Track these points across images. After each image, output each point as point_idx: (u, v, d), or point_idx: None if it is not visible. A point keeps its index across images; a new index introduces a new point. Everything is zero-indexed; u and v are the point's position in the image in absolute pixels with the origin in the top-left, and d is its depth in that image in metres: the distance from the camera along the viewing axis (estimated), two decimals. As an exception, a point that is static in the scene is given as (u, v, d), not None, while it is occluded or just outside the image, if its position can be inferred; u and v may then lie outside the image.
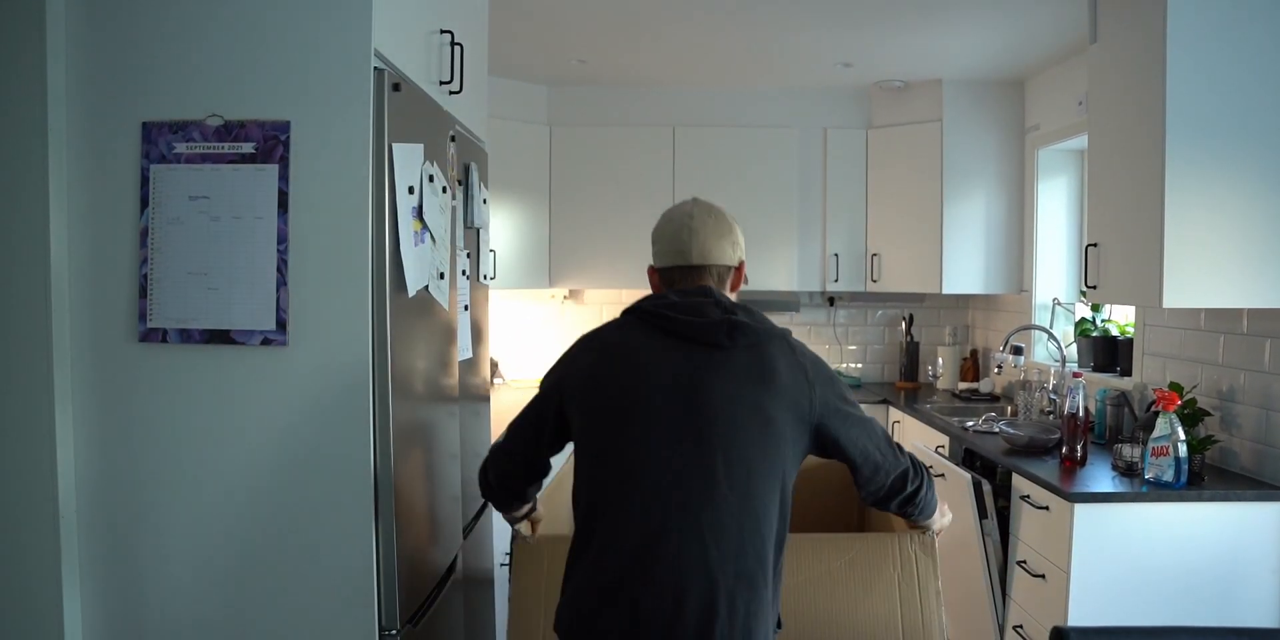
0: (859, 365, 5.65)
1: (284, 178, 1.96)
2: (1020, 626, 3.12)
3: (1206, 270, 2.78)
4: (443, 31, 2.59)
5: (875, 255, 5.19)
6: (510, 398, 4.73)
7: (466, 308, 2.86)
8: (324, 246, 1.97)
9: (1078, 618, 2.80)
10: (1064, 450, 3.23)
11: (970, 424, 3.98)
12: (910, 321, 5.43)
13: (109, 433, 1.99)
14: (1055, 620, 2.86)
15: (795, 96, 5.24)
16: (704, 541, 1.73)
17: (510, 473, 2.03)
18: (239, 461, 1.99)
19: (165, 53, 1.96)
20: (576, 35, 4.18)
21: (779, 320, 5.46)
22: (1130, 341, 3.81)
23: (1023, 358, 4.58)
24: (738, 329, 1.85)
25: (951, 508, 3.40)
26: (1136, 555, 2.82)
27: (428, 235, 2.26)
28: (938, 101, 4.91)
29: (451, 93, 2.65)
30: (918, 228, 4.99)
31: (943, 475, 3.49)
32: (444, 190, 2.43)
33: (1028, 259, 4.78)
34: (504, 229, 4.95)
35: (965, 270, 4.90)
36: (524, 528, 2.16)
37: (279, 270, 1.96)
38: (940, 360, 5.32)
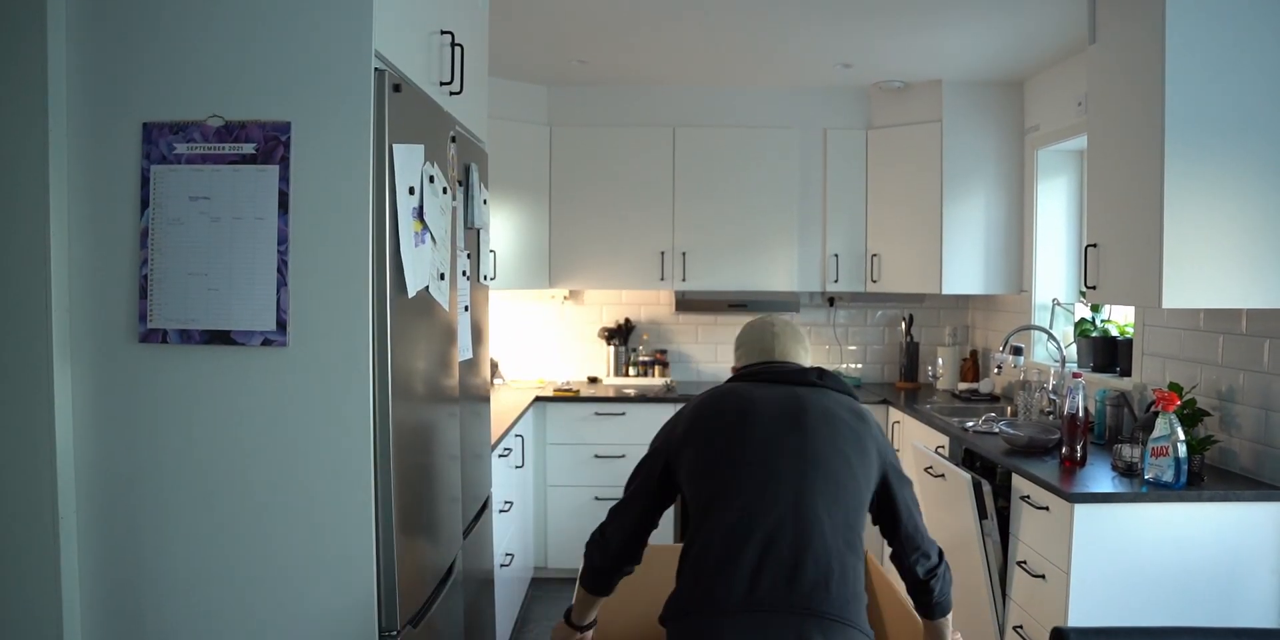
0: (859, 365, 5.66)
1: (284, 178, 1.96)
2: (1020, 627, 3.12)
3: (1206, 270, 2.79)
4: (443, 32, 2.59)
5: (875, 256, 5.20)
6: (510, 398, 4.73)
7: (467, 308, 2.86)
8: (324, 247, 1.97)
9: (1078, 618, 2.80)
10: (1064, 450, 3.23)
11: (970, 424, 3.98)
12: (910, 322, 5.43)
13: (109, 433, 1.99)
14: (1055, 620, 2.86)
15: (795, 97, 5.24)
16: (811, 517, 1.98)
17: (632, 527, 2.25)
18: (239, 462, 1.99)
19: (166, 53, 1.97)
20: (576, 35, 4.18)
21: (779, 321, 5.35)
22: (1130, 342, 3.81)
23: (1022, 358, 4.58)
24: (826, 374, 2.23)
25: (951, 508, 3.42)
26: (1136, 555, 2.82)
27: (428, 236, 2.26)
28: (937, 102, 4.92)
29: (452, 93, 2.65)
30: (917, 228, 5.00)
31: (943, 476, 3.49)
32: (444, 191, 2.43)
33: (1027, 259, 4.78)
34: (504, 229, 4.95)
35: (965, 271, 4.90)
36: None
37: (279, 271, 1.97)
38: (940, 360, 5.32)
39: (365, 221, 1.97)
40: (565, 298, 5.59)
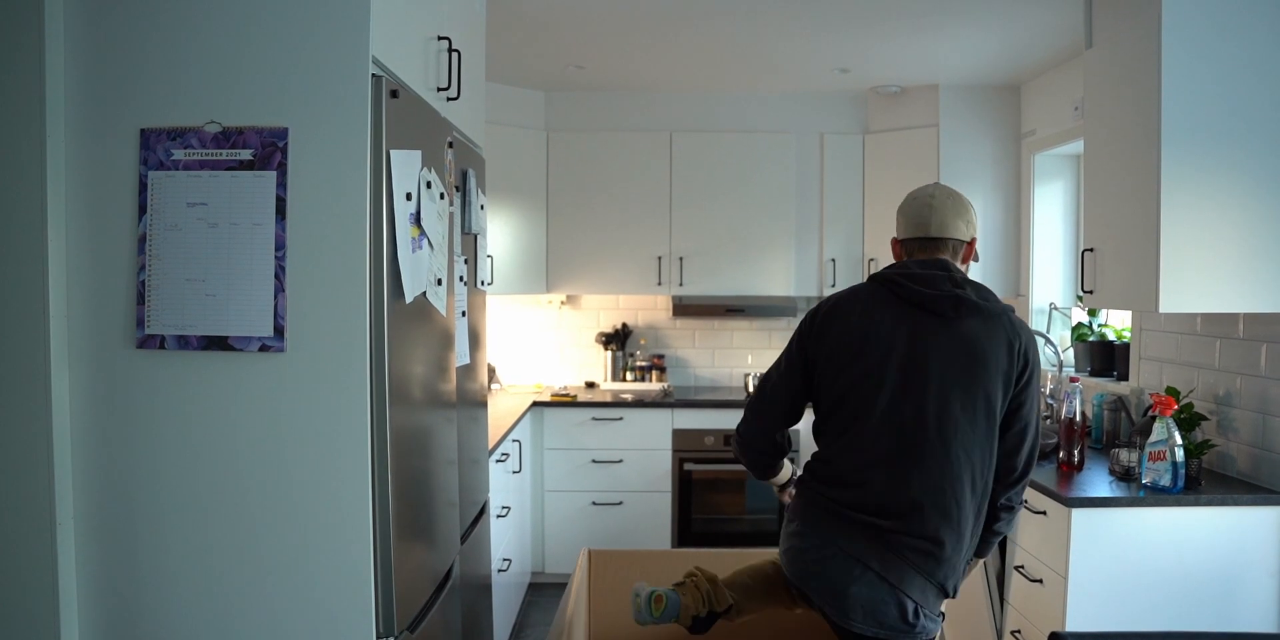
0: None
1: (282, 184, 1.96)
2: (1018, 631, 3.12)
3: (1203, 275, 2.79)
4: (440, 38, 2.59)
5: (872, 260, 5.20)
6: (508, 403, 4.73)
7: (464, 313, 2.86)
8: (322, 253, 1.97)
9: (1075, 623, 2.80)
10: (1061, 455, 3.23)
11: (967, 429, 3.97)
12: (907, 326, 5.43)
13: (106, 439, 1.99)
14: (1053, 625, 2.86)
15: (792, 102, 5.25)
16: (930, 467, 2.18)
17: (771, 417, 2.40)
18: (236, 467, 1.99)
19: (163, 59, 1.97)
20: (573, 41, 4.19)
21: (775, 325, 5.44)
22: (1127, 346, 3.82)
23: (1020, 362, 4.58)
24: (963, 303, 2.21)
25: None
26: (1134, 560, 2.82)
27: (425, 241, 2.26)
28: (934, 106, 4.93)
29: (449, 99, 2.65)
30: (914, 233, 4.99)
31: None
32: (441, 196, 2.43)
33: (1024, 263, 4.79)
34: (501, 235, 4.95)
35: (962, 275, 4.90)
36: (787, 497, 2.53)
37: (277, 277, 1.97)
38: (937, 365, 5.32)
39: (363, 227, 1.97)
40: (562, 303, 5.59)
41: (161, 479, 1.99)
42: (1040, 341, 4.59)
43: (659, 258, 5.18)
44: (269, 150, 1.96)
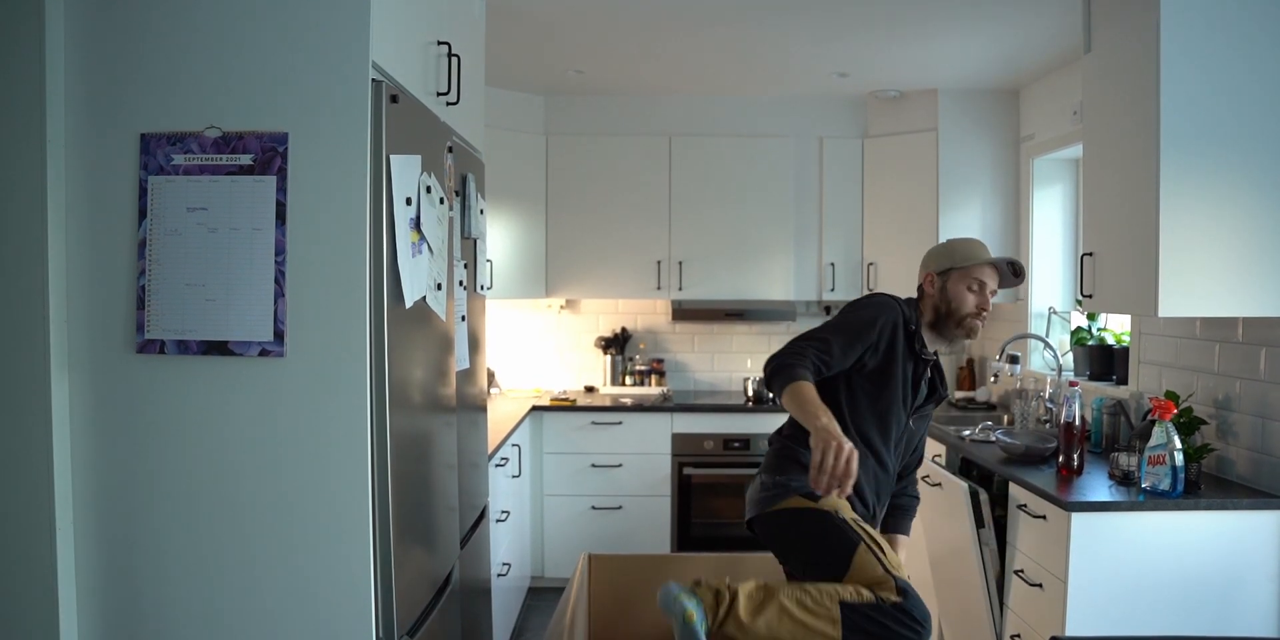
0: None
1: (282, 189, 1.96)
2: (1018, 636, 3.12)
3: (1202, 279, 2.79)
4: (440, 43, 2.60)
5: (871, 265, 5.20)
6: (507, 408, 4.73)
7: (463, 318, 2.86)
8: (322, 258, 1.97)
9: (1075, 627, 2.80)
10: (1061, 459, 3.23)
11: (967, 433, 3.98)
12: (907, 330, 5.43)
13: (106, 443, 1.99)
14: (1053, 630, 2.86)
15: (791, 106, 5.25)
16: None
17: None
18: (236, 472, 1.99)
19: (163, 64, 1.97)
20: (573, 46, 4.19)
21: (774, 329, 5.42)
22: (1126, 350, 3.82)
23: (1019, 366, 4.58)
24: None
25: (948, 516, 3.42)
26: (1134, 564, 2.81)
27: (425, 246, 2.26)
28: (933, 111, 4.93)
29: (449, 104, 2.66)
30: (914, 237, 5.00)
31: (939, 484, 3.49)
32: (441, 201, 2.43)
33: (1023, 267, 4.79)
34: (501, 239, 4.95)
35: (961, 279, 4.90)
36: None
37: (277, 281, 1.97)
38: (937, 369, 5.32)
39: (362, 232, 1.97)
40: (562, 307, 5.59)
41: (161, 483, 1.99)
42: (1039, 346, 4.61)
43: (658, 262, 5.19)
44: (269, 155, 1.96)
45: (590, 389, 5.48)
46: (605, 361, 5.51)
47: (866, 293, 5.16)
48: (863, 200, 5.25)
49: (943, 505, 3.49)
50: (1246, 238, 2.79)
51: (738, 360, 5.62)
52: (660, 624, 3.10)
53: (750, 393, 5.11)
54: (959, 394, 5.10)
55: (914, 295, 2.74)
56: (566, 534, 4.89)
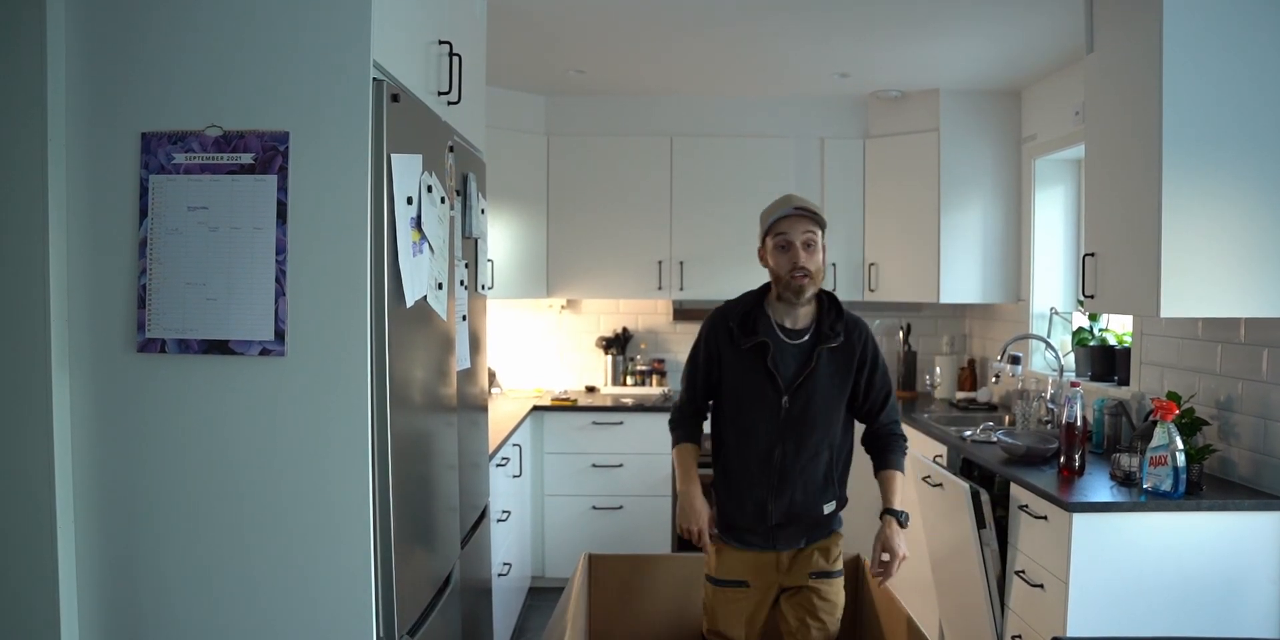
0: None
1: (283, 188, 1.96)
2: (1019, 636, 3.11)
3: (1204, 279, 2.79)
4: (441, 42, 2.60)
5: (873, 265, 5.20)
6: (508, 408, 4.73)
7: (464, 318, 2.86)
8: (322, 257, 1.97)
9: (1076, 628, 2.80)
10: (1062, 460, 3.22)
11: (968, 433, 3.98)
12: (908, 331, 5.43)
13: (107, 442, 1.99)
14: (1054, 630, 2.86)
15: (792, 106, 5.25)
16: None
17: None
18: (237, 471, 1.99)
19: (164, 63, 1.97)
20: (574, 46, 4.19)
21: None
22: (1128, 351, 3.81)
23: (1020, 367, 4.58)
24: None
25: (949, 517, 3.41)
26: (1135, 565, 2.81)
27: (426, 245, 2.26)
28: (935, 111, 4.93)
29: (450, 103, 2.66)
30: (915, 237, 5.00)
31: (941, 485, 3.49)
32: (442, 200, 2.43)
33: (1025, 268, 4.79)
34: (502, 239, 4.95)
35: (962, 280, 4.91)
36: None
37: (277, 281, 1.97)
38: (938, 369, 5.32)
39: (363, 231, 1.97)
40: (563, 307, 5.59)
41: (162, 483, 1.99)
42: (1041, 346, 4.60)
43: (659, 262, 5.18)
44: (270, 154, 1.96)
45: (591, 389, 5.48)
46: (606, 361, 5.51)
47: (868, 293, 5.20)
48: (864, 201, 5.25)
49: (944, 505, 3.49)
50: (1248, 238, 2.78)
51: (739, 360, 5.60)
52: (660, 624, 3.10)
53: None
54: (960, 394, 5.10)
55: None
56: (567, 534, 4.88)
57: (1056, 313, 4.63)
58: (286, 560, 1.99)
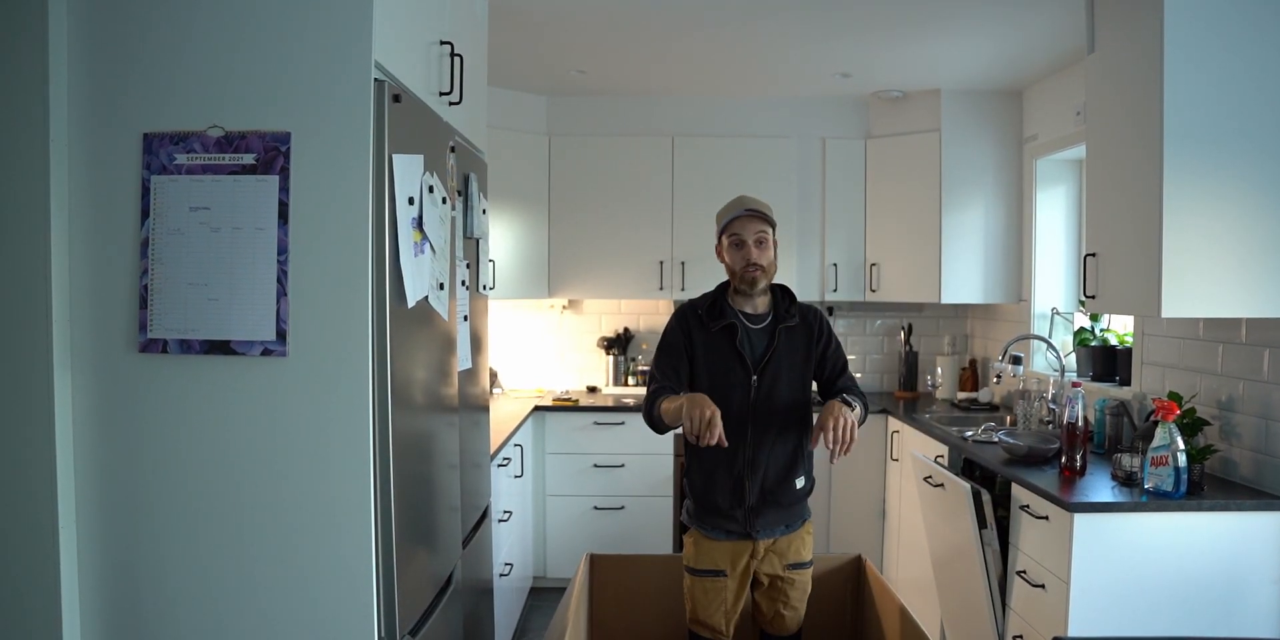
0: (858, 375, 5.65)
1: (284, 189, 1.96)
2: (1020, 636, 3.11)
3: (1205, 280, 2.79)
4: (442, 42, 2.60)
5: (874, 265, 5.20)
6: (509, 408, 4.73)
7: (466, 318, 2.86)
8: (324, 257, 1.97)
9: (1078, 628, 2.80)
10: (1063, 460, 3.22)
11: (969, 434, 3.98)
12: (909, 331, 5.43)
13: (109, 442, 1.99)
14: (1055, 630, 2.86)
15: (794, 107, 5.25)
16: None
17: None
18: (238, 471, 1.99)
19: (166, 64, 1.97)
20: (576, 46, 4.19)
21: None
22: (1129, 351, 3.81)
23: (1021, 367, 4.58)
24: None
25: (951, 517, 3.42)
26: (1136, 565, 2.81)
27: (427, 246, 2.26)
28: (936, 111, 4.93)
29: (451, 103, 2.66)
30: (916, 237, 5.00)
31: (942, 485, 3.49)
32: (444, 201, 2.43)
33: (1026, 268, 4.79)
34: (503, 239, 4.95)
35: (964, 280, 4.91)
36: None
37: (279, 281, 1.97)
38: (939, 370, 5.32)
39: (365, 232, 1.97)
40: (564, 307, 5.59)
41: (163, 483, 1.99)
42: (1042, 346, 4.60)
43: (661, 262, 5.19)
44: (271, 154, 1.96)
45: (593, 389, 5.48)
46: (608, 362, 5.51)
47: (869, 293, 5.20)
48: (865, 201, 5.25)
49: (945, 506, 3.49)
50: (1249, 238, 2.78)
51: (740, 361, 5.61)
52: (662, 624, 3.10)
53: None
54: (961, 395, 5.10)
55: None
56: (568, 534, 4.88)
57: (1058, 313, 4.63)
58: (288, 560, 1.99)
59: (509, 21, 3.72)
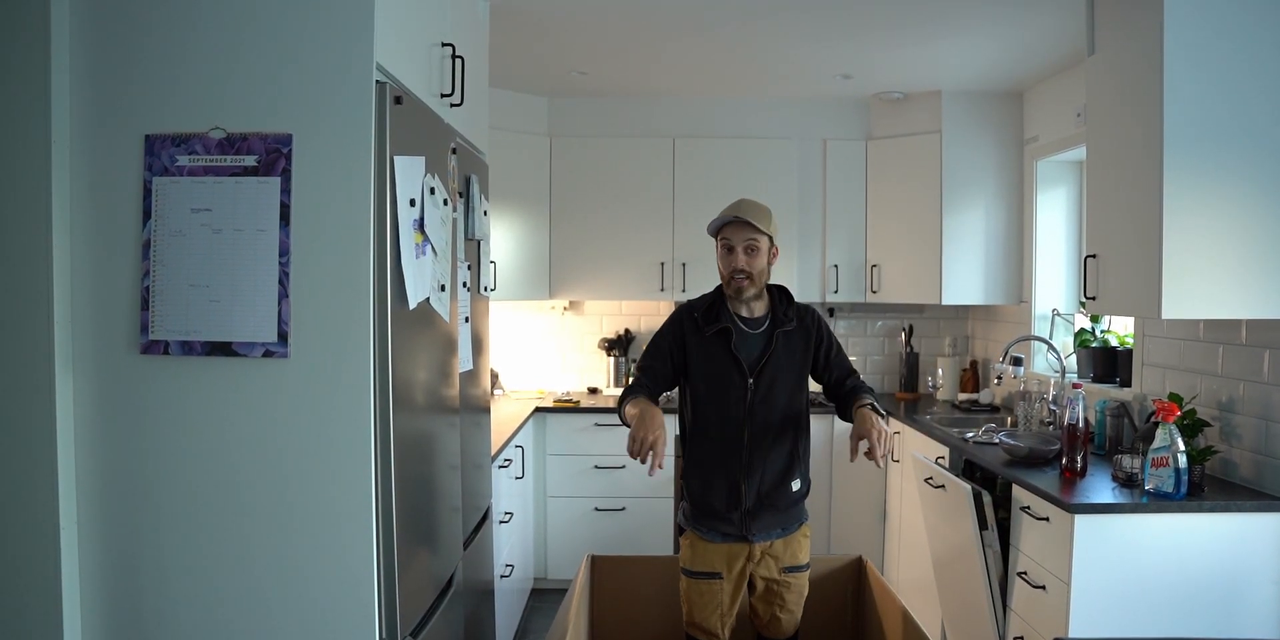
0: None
1: (286, 190, 1.97)
2: (1021, 638, 3.11)
3: (1205, 281, 2.79)
4: (444, 44, 2.60)
5: (875, 266, 5.20)
6: (510, 409, 4.73)
7: (467, 319, 2.86)
8: (325, 259, 1.97)
9: (1078, 629, 2.80)
10: (1064, 461, 3.22)
11: (970, 435, 3.98)
12: (910, 332, 5.43)
13: (110, 444, 1.99)
14: (1056, 631, 2.86)
15: (795, 108, 5.26)
16: None
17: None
18: (240, 473, 1.99)
19: (168, 66, 1.98)
20: (576, 47, 4.20)
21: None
22: (1130, 352, 3.82)
23: (1022, 368, 4.58)
24: None
25: (951, 519, 3.42)
26: (1137, 566, 2.81)
27: (429, 247, 2.27)
28: (937, 113, 4.93)
29: (453, 105, 2.66)
30: (917, 238, 5.00)
31: (943, 486, 3.49)
32: (445, 202, 2.44)
33: (1027, 270, 4.79)
34: (504, 240, 4.96)
35: (965, 281, 4.91)
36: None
37: (280, 282, 1.97)
38: (940, 371, 5.32)
39: (366, 233, 1.98)
40: (565, 308, 5.60)
41: (165, 484, 2.00)
42: (1043, 348, 4.60)
43: (662, 263, 5.19)
44: (273, 156, 1.97)
45: (594, 390, 5.48)
46: (609, 363, 5.51)
47: (870, 294, 5.20)
48: (866, 202, 5.25)
49: (946, 507, 3.49)
50: (1250, 240, 2.78)
51: (741, 362, 5.61)
52: (663, 625, 3.10)
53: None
54: (962, 396, 5.10)
55: None
56: (569, 535, 4.89)
57: (1058, 314, 4.63)
58: (289, 562, 2.00)
59: (510, 23, 3.72)
